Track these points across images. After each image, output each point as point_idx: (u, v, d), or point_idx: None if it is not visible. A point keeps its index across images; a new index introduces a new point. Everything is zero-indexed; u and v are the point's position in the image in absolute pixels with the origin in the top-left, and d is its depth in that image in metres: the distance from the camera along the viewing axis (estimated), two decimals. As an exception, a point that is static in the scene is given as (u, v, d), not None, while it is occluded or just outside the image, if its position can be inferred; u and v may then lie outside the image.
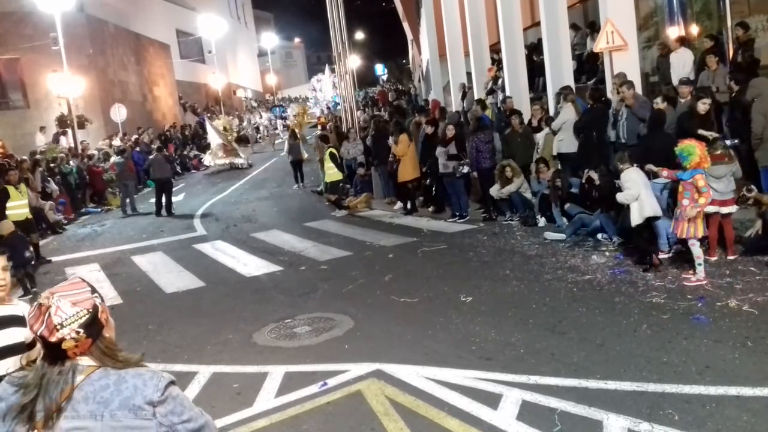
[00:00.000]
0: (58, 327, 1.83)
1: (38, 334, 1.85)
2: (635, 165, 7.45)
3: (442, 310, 6.83)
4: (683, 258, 7.46)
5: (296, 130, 21.52)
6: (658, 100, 8.94)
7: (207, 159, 24.77)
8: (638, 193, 7.23)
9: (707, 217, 7.27)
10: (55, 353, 1.86)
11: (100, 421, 1.81)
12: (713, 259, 7.34)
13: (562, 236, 9.03)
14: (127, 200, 16.83)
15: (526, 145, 11.29)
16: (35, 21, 22.10)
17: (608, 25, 10.43)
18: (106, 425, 1.82)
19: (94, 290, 1.95)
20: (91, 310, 1.89)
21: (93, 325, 1.89)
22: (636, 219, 7.33)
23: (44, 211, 14.46)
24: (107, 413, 1.81)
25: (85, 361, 1.89)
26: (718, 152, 7.34)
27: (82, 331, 1.86)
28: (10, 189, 11.45)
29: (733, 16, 10.75)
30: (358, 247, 10.23)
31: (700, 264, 6.78)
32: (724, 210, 7.39)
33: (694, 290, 6.54)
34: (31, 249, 9.91)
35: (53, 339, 1.84)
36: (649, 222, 7.40)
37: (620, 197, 7.43)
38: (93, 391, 1.83)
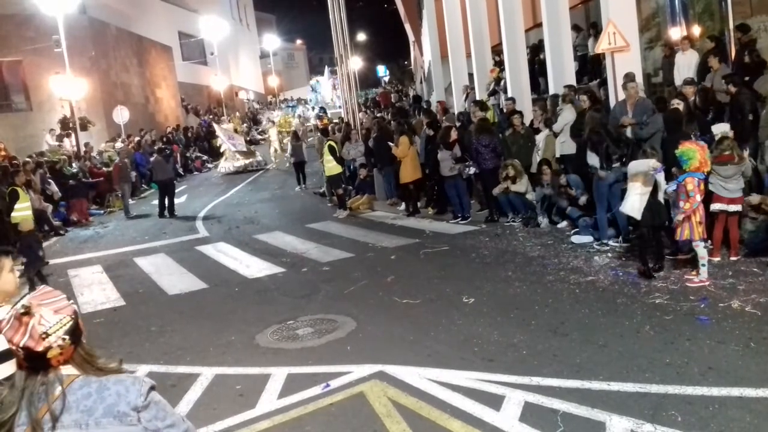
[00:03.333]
0: (44, 336, 1.80)
1: (21, 345, 1.80)
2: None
3: (445, 312, 6.83)
4: (686, 259, 7.46)
5: (298, 132, 21.54)
6: (675, 101, 8.80)
7: (222, 164, 24.18)
8: (643, 170, 7.03)
9: (713, 217, 7.25)
10: (39, 364, 1.83)
11: (85, 429, 1.80)
12: (716, 259, 7.33)
13: (588, 239, 8.90)
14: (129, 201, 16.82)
15: (527, 146, 11.29)
16: (37, 23, 22.12)
17: (610, 26, 10.42)
18: None
19: (68, 297, 1.96)
20: (73, 317, 1.89)
21: (76, 331, 1.89)
22: (628, 208, 7.20)
23: (46, 212, 14.50)
24: (92, 421, 1.80)
25: (66, 369, 1.87)
26: (727, 153, 7.30)
27: (67, 337, 1.84)
28: (19, 190, 11.54)
29: (735, 17, 10.73)
30: (360, 249, 10.23)
31: (704, 265, 6.75)
32: (732, 208, 7.35)
33: (697, 291, 6.53)
34: (44, 250, 9.99)
35: (40, 348, 1.80)
36: (655, 228, 7.34)
37: (633, 164, 7.17)
38: (75, 400, 1.81)
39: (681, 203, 6.78)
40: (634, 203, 7.10)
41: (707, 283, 6.64)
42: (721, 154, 7.28)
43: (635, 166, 7.14)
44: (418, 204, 12.98)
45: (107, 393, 1.83)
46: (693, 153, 6.65)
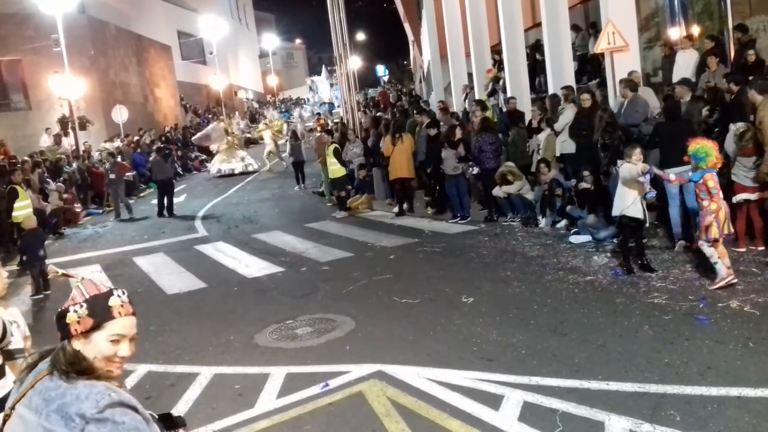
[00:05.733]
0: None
1: None
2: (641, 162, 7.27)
3: (444, 311, 6.83)
4: (685, 259, 7.47)
5: (297, 132, 21.53)
6: (705, 112, 8.64)
7: (215, 165, 23.57)
8: (634, 177, 7.01)
9: (734, 208, 7.23)
10: None
11: (37, 417, 1.80)
12: (742, 249, 7.37)
13: (587, 238, 8.93)
14: (121, 204, 16.57)
15: (525, 146, 11.34)
16: (36, 22, 22.11)
17: (609, 25, 10.43)
18: (39, 424, 1.79)
19: (90, 301, 1.93)
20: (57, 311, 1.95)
21: (58, 325, 1.93)
22: (616, 209, 7.33)
23: (45, 212, 14.49)
24: (45, 412, 1.79)
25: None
26: (750, 146, 7.34)
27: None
28: (18, 189, 11.57)
29: (734, 17, 10.74)
30: (359, 248, 10.23)
31: (716, 262, 6.51)
32: (754, 196, 7.37)
33: (696, 291, 6.53)
34: (46, 248, 9.98)
35: None
36: (635, 226, 7.36)
37: (623, 170, 7.17)
38: (46, 387, 1.83)
39: (704, 203, 6.55)
40: (636, 205, 7.14)
41: (730, 278, 6.41)
42: (746, 146, 7.33)
43: (626, 172, 7.11)
44: (415, 203, 13.00)
45: (70, 392, 1.80)
46: (710, 149, 6.49)
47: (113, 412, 1.77)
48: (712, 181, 6.52)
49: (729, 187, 7.36)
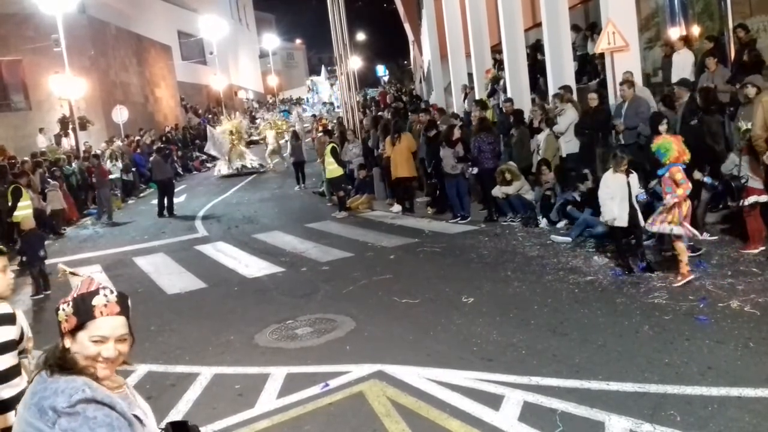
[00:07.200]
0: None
1: None
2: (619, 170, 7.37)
3: (444, 311, 6.83)
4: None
5: (298, 132, 21.55)
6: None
7: (220, 166, 23.41)
8: (607, 202, 7.30)
9: (741, 209, 7.31)
10: None
11: (23, 410, 1.83)
12: (755, 251, 7.36)
13: (567, 239, 9.00)
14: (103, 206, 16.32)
15: (527, 146, 11.33)
16: (37, 22, 22.12)
17: (609, 25, 10.42)
18: (23, 417, 1.81)
19: (77, 300, 1.92)
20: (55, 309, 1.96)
21: (57, 322, 1.94)
22: (605, 216, 7.47)
23: (45, 212, 14.50)
24: (29, 405, 1.81)
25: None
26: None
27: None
28: (22, 188, 11.63)
29: (735, 17, 10.73)
30: (359, 248, 10.23)
31: (682, 260, 6.71)
32: (763, 198, 7.39)
33: (696, 291, 6.52)
34: (46, 248, 9.99)
35: None
36: (629, 228, 7.42)
37: (603, 210, 7.46)
38: (36, 382, 1.85)
39: (668, 197, 6.70)
40: (621, 214, 7.27)
41: (691, 278, 6.63)
42: (748, 144, 7.38)
43: (606, 193, 7.25)
44: (416, 202, 13.00)
45: (52, 386, 1.81)
46: (669, 144, 6.69)
47: (85, 408, 1.76)
48: (680, 173, 6.64)
49: (740, 191, 7.46)
